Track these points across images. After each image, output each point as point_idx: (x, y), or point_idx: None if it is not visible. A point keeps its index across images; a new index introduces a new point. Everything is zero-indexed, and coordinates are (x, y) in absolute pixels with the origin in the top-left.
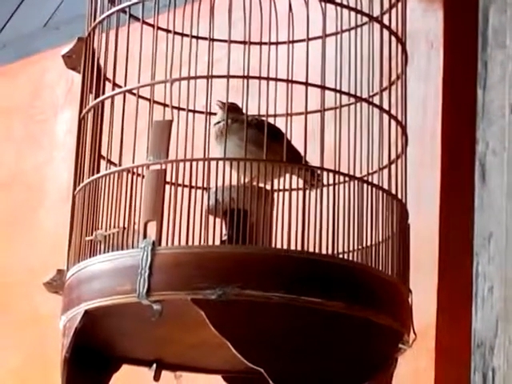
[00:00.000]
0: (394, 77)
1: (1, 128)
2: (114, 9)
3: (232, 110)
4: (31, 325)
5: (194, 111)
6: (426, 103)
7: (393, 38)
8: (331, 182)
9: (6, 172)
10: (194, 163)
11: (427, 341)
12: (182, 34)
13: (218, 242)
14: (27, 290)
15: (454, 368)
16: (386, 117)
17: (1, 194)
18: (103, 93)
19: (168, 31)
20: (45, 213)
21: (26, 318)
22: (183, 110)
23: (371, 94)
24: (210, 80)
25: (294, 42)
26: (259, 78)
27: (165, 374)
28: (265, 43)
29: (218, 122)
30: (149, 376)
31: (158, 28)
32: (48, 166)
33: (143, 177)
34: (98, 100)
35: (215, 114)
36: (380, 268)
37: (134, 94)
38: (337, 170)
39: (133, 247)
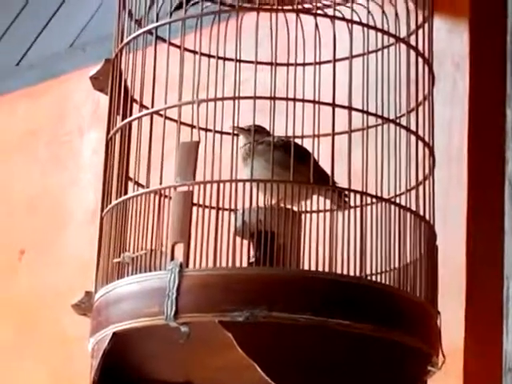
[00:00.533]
0: (420, 98)
1: (26, 149)
2: (140, 30)
3: (257, 132)
4: (59, 347)
5: (221, 132)
6: (452, 124)
7: (419, 59)
8: (359, 203)
9: (32, 193)
10: (222, 185)
11: (456, 363)
12: (209, 56)
13: (245, 264)
14: (54, 312)
15: None
16: (413, 138)
17: (26, 215)
18: (130, 114)
19: (195, 52)
20: (70, 234)
21: (54, 340)
22: (210, 131)
23: (398, 115)
24: (236, 101)
25: (320, 63)
26: (286, 99)
27: None
28: (291, 64)
29: (244, 145)
30: None
31: (185, 49)
32: (73, 187)
33: (170, 198)
34: (126, 121)
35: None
36: (408, 290)
37: (161, 116)
38: (364, 191)
39: (160, 269)
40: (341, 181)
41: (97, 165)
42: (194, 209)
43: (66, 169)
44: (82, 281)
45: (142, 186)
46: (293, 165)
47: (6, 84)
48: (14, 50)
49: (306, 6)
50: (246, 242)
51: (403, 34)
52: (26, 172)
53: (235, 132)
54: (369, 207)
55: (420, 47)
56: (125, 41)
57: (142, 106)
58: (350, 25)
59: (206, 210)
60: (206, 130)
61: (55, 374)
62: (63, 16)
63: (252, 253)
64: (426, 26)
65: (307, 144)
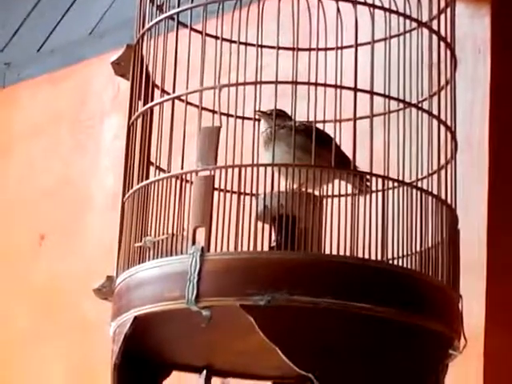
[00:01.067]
0: (442, 82)
1: (48, 134)
2: (162, 16)
3: (278, 116)
4: (80, 332)
5: (243, 117)
6: (474, 109)
7: (441, 44)
8: (380, 187)
9: (54, 179)
10: (243, 169)
11: (477, 346)
12: (231, 41)
13: (266, 248)
14: (75, 297)
15: (505, 374)
16: (435, 122)
17: (48, 200)
18: (152, 99)
19: (216, 37)
20: (92, 219)
21: (75, 325)
22: (231, 116)
23: (420, 99)
24: (258, 86)
25: (342, 47)
26: (308, 83)
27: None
28: (313, 49)
29: (266, 130)
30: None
31: (207, 34)
32: (95, 172)
33: (192, 183)
34: (147, 106)
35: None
36: (430, 274)
37: (183, 101)
38: (386, 175)
39: (182, 253)
40: (362, 165)
41: (118, 150)
42: (216, 193)
43: (88, 154)
44: (103, 266)
45: (164, 171)
46: (314, 149)
47: (28, 70)
48: (35, 37)
49: None
50: (267, 226)
51: (425, 18)
52: (48, 157)
53: (257, 116)
54: (390, 191)
55: (442, 32)
56: (146, 26)
57: (164, 92)
58: (371, 9)
59: (228, 195)
60: (228, 115)
61: (76, 358)
62: (83, 2)
63: (273, 237)
64: (449, 10)
65: (329, 129)
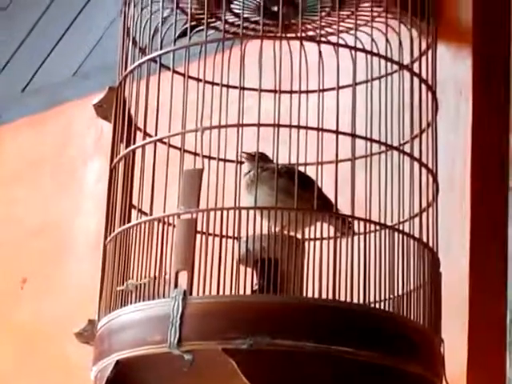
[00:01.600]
0: (424, 125)
1: (29, 177)
2: (144, 58)
3: (261, 159)
4: (61, 376)
5: (225, 160)
6: (455, 151)
7: (423, 86)
8: (362, 230)
9: (35, 221)
10: (225, 212)
11: None
12: (213, 83)
13: (248, 292)
14: (57, 340)
15: None
16: (416, 165)
17: (30, 243)
18: (134, 142)
19: (198, 80)
20: (73, 262)
21: (56, 368)
22: (214, 158)
23: (402, 142)
24: (240, 129)
25: (324, 90)
26: (290, 126)
27: None
28: (295, 92)
29: (248, 172)
30: None
31: (189, 77)
32: (77, 215)
33: (174, 226)
34: (129, 149)
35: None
36: (412, 317)
37: (165, 143)
38: (368, 218)
39: (164, 297)
40: (344, 209)
41: (100, 193)
42: (198, 236)
43: (70, 197)
44: (85, 309)
45: (146, 214)
46: (296, 192)
47: (11, 112)
48: (18, 78)
49: (310, 33)
50: (249, 269)
51: (406, 61)
52: (30, 200)
53: (240, 158)
54: (372, 234)
55: (423, 74)
56: (129, 68)
57: (146, 134)
58: (353, 52)
59: (210, 238)
60: (210, 157)
61: None
62: (67, 44)
63: (255, 280)
64: (430, 52)
65: (310, 171)
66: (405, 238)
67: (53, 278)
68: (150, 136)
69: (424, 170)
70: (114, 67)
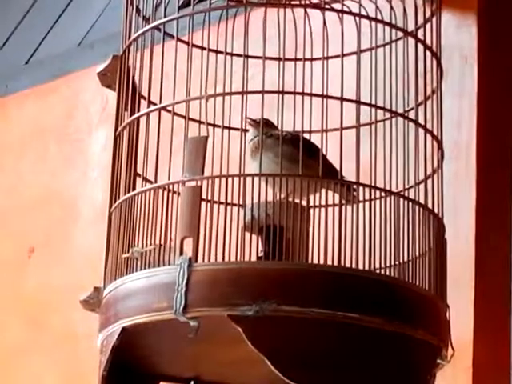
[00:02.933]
0: (429, 91)
1: (35, 147)
2: (148, 26)
3: (266, 125)
4: (68, 343)
5: (230, 128)
6: (461, 118)
7: (427, 53)
8: (367, 197)
9: (41, 191)
10: (230, 180)
11: (465, 356)
12: (217, 51)
13: (254, 259)
14: (63, 309)
15: (493, 383)
16: (421, 131)
17: (36, 213)
18: (138, 110)
19: (203, 48)
20: (79, 231)
21: (63, 336)
22: (218, 126)
23: (406, 108)
24: (245, 96)
25: (328, 58)
26: (294, 93)
27: None
28: (299, 59)
29: (253, 139)
30: None
31: (193, 45)
32: (82, 185)
33: (179, 194)
34: (134, 117)
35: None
36: (417, 283)
37: (169, 111)
38: (373, 185)
39: (169, 264)
40: (349, 176)
41: (106, 162)
42: (203, 204)
43: (76, 167)
44: (91, 278)
45: (151, 182)
46: (301, 159)
47: (16, 83)
48: (23, 49)
49: (314, 1)
50: (254, 236)
51: (411, 27)
52: (36, 170)
53: (247, 124)
54: (378, 201)
55: (428, 41)
56: (132, 37)
57: (150, 102)
58: (357, 19)
59: (215, 205)
60: (215, 125)
61: (64, 370)
62: (71, 15)
63: (261, 247)
64: (434, 19)
65: (315, 139)
66: (410, 204)
67: (60, 247)
68: (155, 104)
69: (429, 137)
70: (118, 37)
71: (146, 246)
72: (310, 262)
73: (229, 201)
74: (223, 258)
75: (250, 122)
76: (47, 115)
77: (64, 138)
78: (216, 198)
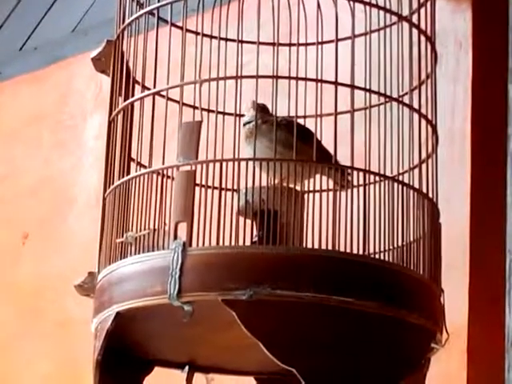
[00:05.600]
0: (423, 76)
1: (30, 134)
2: (142, 11)
3: (261, 110)
4: (63, 330)
5: (224, 113)
6: (456, 103)
7: (422, 38)
8: (362, 182)
9: (35, 178)
10: (224, 164)
11: (460, 340)
12: (211, 36)
13: (248, 243)
14: (58, 295)
15: (488, 367)
16: (416, 116)
17: (30, 200)
18: (132, 95)
19: (197, 33)
20: (74, 218)
21: (58, 323)
22: (212, 111)
23: (401, 93)
24: (239, 81)
25: (323, 43)
26: (289, 77)
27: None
28: (293, 44)
29: (248, 123)
30: (180, 379)
31: (187, 30)
32: (77, 171)
33: (173, 179)
34: (128, 102)
35: (244, 115)
36: (412, 267)
37: (164, 96)
38: (367, 169)
39: (163, 248)
40: (344, 162)
41: (100, 148)
42: (197, 189)
43: (70, 153)
44: (86, 264)
45: (145, 167)
46: (296, 144)
47: (10, 69)
48: (17, 36)
49: None
50: (248, 221)
51: (406, 12)
52: (30, 156)
53: (244, 108)
54: (372, 186)
55: (422, 26)
56: (126, 21)
57: (144, 87)
58: (352, 3)
59: (209, 190)
60: (209, 110)
61: (59, 356)
62: (65, 1)
63: (255, 232)
64: (429, 4)
65: (310, 124)
66: (404, 189)
67: (54, 234)
68: (149, 89)
69: (423, 121)
70: (112, 24)
71: (140, 230)
72: (304, 246)
73: (223, 186)
74: (217, 243)
75: (248, 106)
76: (41, 101)
77: (58, 124)
78: (210, 184)
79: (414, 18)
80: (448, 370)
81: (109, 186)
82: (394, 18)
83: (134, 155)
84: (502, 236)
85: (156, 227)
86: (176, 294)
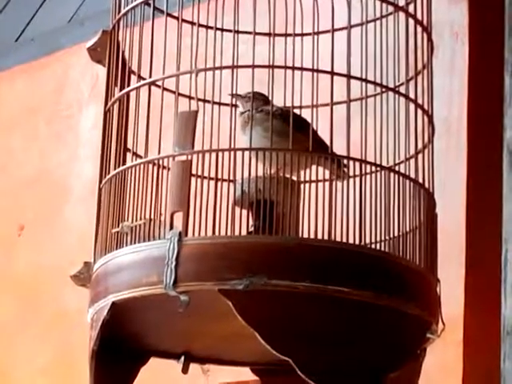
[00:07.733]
0: (419, 66)
1: (26, 125)
2: (138, 1)
3: (257, 99)
4: (59, 320)
5: (220, 103)
6: (452, 94)
7: (418, 28)
8: (358, 172)
9: (31, 169)
10: (220, 154)
11: (455, 330)
12: (207, 27)
13: (244, 233)
14: (54, 285)
15: (484, 356)
16: (412, 106)
17: (26, 191)
18: (128, 85)
19: (193, 24)
20: (70, 209)
21: (54, 313)
22: (208, 102)
23: (397, 83)
24: (235, 70)
25: (319, 33)
26: (285, 67)
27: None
28: (289, 35)
29: (244, 112)
30: (176, 369)
31: (183, 20)
32: (73, 162)
33: (169, 169)
34: (124, 92)
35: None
36: (408, 258)
37: (159, 87)
38: (364, 159)
39: (159, 238)
40: (340, 152)
41: (96, 140)
42: (193, 179)
43: (66, 144)
44: (82, 254)
45: (141, 157)
46: (291, 134)
47: (6, 60)
48: (13, 27)
49: None
50: (244, 211)
51: (402, 2)
52: (26, 147)
53: (234, 99)
54: (368, 176)
55: (419, 16)
56: (122, 11)
57: (140, 77)
58: None
59: (205, 180)
60: (205, 100)
61: (56, 346)
62: None
63: (251, 222)
64: None
65: (306, 114)
66: (401, 178)
67: (50, 225)
68: (145, 79)
69: (420, 112)
70: (108, 14)
71: (136, 220)
72: (300, 236)
73: (219, 176)
74: (213, 233)
75: (237, 98)
76: (37, 92)
77: (54, 115)
78: (206, 174)
79: (411, 8)
80: (444, 359)
81: (105, 176)
82: (391, 8)
83: (129, 145)
84: (497, 226)
85: (152, 217)
86: (172, 283)
